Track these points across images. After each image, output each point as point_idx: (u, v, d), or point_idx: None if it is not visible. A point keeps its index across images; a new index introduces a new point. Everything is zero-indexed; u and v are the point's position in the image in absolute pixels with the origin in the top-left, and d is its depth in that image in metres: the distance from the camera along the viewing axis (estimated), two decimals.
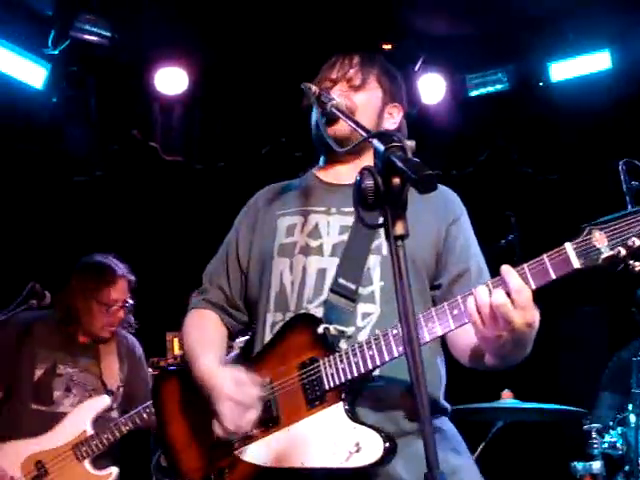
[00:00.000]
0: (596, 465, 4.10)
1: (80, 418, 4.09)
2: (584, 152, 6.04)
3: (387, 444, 2.11)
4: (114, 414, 4.22)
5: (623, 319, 5.10)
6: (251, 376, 2.27)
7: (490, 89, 6.22)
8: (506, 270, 1.93)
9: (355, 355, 2.15)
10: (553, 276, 1.91)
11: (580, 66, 5.96)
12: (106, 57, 5.72)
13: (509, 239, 4.90)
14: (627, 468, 4.17)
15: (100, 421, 4.12)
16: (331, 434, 2.17)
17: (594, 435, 4.16)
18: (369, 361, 2.13)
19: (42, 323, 4.25)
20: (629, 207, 3.49)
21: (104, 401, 4.16)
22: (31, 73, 5.52)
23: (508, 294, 1.91)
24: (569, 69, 5.99)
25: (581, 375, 5.60)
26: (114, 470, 4.10)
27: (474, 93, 6.24)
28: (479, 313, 1.95)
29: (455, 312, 2.03)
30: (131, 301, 4.36)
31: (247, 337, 3.80)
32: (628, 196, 3.63)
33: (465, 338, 2.20)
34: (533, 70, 6.13)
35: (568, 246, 1.90)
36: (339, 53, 2.61)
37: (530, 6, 5.52)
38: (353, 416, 2.17)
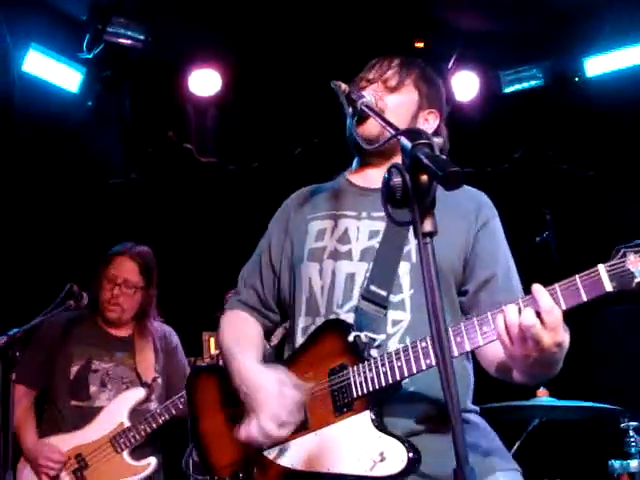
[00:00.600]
0: (634, 463, 4.04)
1: (116, 410, 4.14)
2: (621, 148, 5.96)
3: (411, 454, 2.11)
4: (153, 405, 4.25)
5: None
6: (293, 378, 2.28)
7: (525, 85, 6.18)
8: (537, 289, 1.92)
9: (384, 365, 2.16)
10: (585, 298, 1.90)
11: (616, 60, 5.87)
12: (140, 60, 5.78)
13: (544, 236, 4.85)
14: None
15: (137, 413, 4.16)
16: (357, 442, 2.18)
17: (632, 433, 4.11)
18: (397, 372, 2.13)
19: (78, 323, 4.31)
20: None
21: (139, 393, 4.20)
22: (66, 77, 5.61)
23: (538, 313, 1.89)
24: (605, 64, 5.91)
25: (617, 373, 5.52)
26: (153, 460, 4.15)
27: (508, 90, 6.20)
28: (508, 333, 1.94)
29: (484, 329, 2.02)
30: (138, 283, 4.33)
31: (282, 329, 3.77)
32: None
33: (493, 350, 2.17)
34: (568, 65, 6.06)
35: (601, 268, 1.88)
36: (380, 56, 2.59)
37: (564, 0, 5.46)
38: (379, 425, 2.17)
